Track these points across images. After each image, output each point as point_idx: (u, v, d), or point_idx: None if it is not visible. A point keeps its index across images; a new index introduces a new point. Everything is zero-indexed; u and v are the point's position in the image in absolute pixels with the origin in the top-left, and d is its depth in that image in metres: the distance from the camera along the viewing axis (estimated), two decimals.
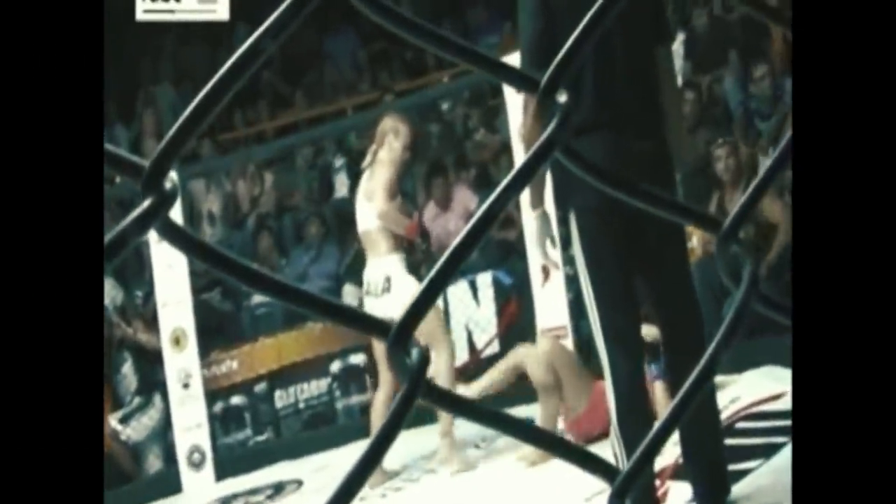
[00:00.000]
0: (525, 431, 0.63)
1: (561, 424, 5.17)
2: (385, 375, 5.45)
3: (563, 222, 3.38)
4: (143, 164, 0.58)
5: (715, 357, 0.68)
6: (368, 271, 5.39)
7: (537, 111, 0.69)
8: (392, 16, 0.57)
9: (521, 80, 0.64)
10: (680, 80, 7.59)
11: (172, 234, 0.58)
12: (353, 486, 0.57)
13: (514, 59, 3.92)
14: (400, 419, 0.58)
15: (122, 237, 0.57)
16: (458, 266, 0.61)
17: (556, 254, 3.57)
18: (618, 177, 0.66)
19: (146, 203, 0.57)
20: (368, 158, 5.53)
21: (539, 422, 5.09)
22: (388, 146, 5.40)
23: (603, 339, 3.26)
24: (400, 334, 0.59)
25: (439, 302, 5.74)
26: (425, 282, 0.61)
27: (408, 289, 5.12)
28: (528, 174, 0.62)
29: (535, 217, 3.51)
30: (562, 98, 0.62)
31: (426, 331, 5.01)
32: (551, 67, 0.63)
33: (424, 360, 0.59)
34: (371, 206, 5.31)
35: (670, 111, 3.40)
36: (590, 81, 3.25)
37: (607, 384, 3.26)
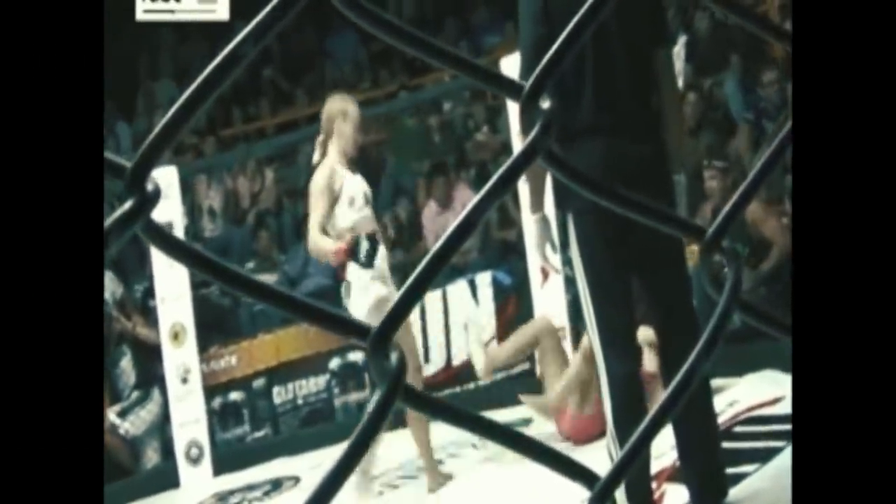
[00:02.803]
0: (504, 435, 0.63)
1: (552, 427, 5.18)
2: None
3: (563, 225, 3.39)
4: (125, 165, 0.58)
5: (696, 365, 0.68)
6: None
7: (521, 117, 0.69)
8: (375, 19, 0.57)
9: (505, 85, 0.64)
10: (681, 83, 7.61)
11: (155, 235, 0.59)
12: (330, 489, 0.57)
13: (515, 59, 3.92)
14: (379, 422, 0.59)
15: (105, 238, 0.57)
16: (439, 271, 0.62)
17: (555, 258, 3.58)
18: (602, 183, 0.66)
19: (128, 204, 0.57)
20: (318, 153, 4.95)
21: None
22: (338, 131, 4.84)
23: (599, 341, 3.27)
24: (379, 338, 0.59)
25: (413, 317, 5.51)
26: (406, 286, 0.61)
27: (361, 287, 4.77)
28: (510, 180, 0.62)
29: (534, 221, 3.51)
30: (545, 104, 0.62)
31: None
32: (534, 74, 0.63)
33: (403, 363, 0.59)
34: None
35: (670, 114, 3.40)
36: (590, 84, 3.26)
37: (603, 385, 3.27)
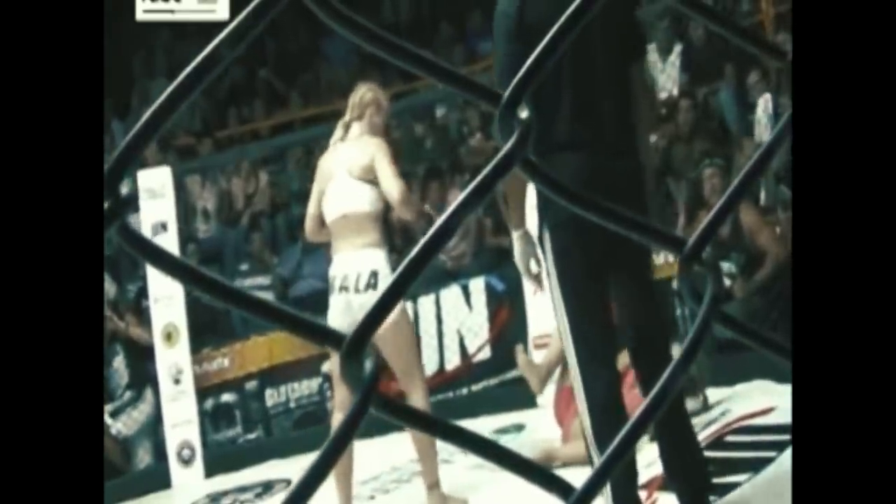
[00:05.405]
0: (479, 445, 0.63)
1: (545, 434, 5.18)
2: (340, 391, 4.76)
3: (539, 239, 3.40)
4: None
5: (674, 376, 0.68)
6: (346, 263, 4.58)
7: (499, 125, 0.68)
8: (349, 23, 0.56)
9: (483, 94, 0.64)
10: (676, 91, 7.63)
11: (129, 238, 0.58)
12: (301, 498, 0.57)
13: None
14: (352, 431, 0.58)
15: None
16: (414, 280, 0.61)
17: (541, 273, 3.61)
18: (580, 193, 0.66)
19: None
20: (340, 132, 4.75)
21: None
22: (370, 120, 4.68)
23: (575, 352, 3.27)
24: (354, 346, 0.59)
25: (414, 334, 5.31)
26: (381, 294, 0.61)
27: None
28: (486, 189, 0.62)
29: (516, 238, 3.52)
30: (522, 114, 0.62)
31: (401, 368, 4.63)
32: (512, 83, 0.63)
33: (377, 371, 0.59)
34: (366, 188, 4.55)
35: (642, 129, 3.45)
36: (568, 99, 3.27)
37: (580, 397, 3.26)
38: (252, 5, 0.58)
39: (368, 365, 0.59)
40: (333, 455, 0.57)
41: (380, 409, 0.59)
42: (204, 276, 0.57)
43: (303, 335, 0.59)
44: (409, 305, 4.61)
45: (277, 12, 0.55)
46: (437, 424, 0.62)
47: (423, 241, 0.61)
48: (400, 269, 0.60)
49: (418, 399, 4.55)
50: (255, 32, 0.55)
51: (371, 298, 4.14)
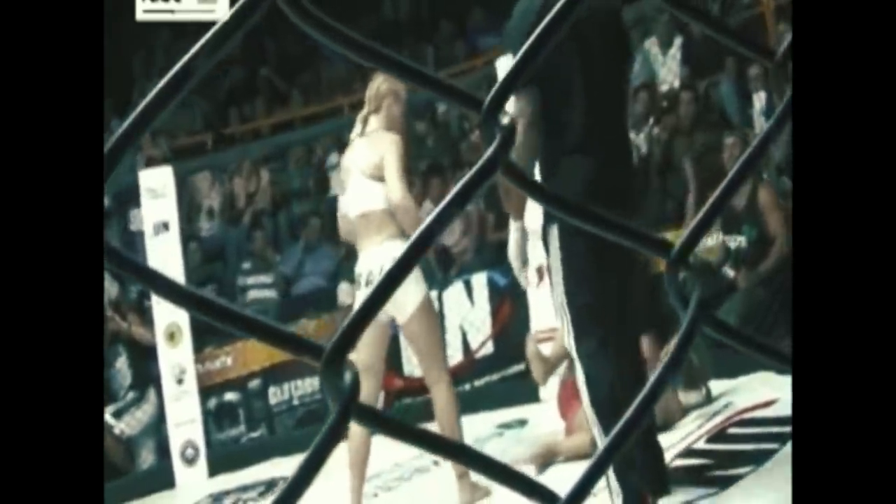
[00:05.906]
0: (464, 454, 0.62)
1: (547, 428, 5.18)
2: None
3: (545, 236, 3.41)
4: None
5: (662, 378, 0.67)
6: (369, 259, 4.52)
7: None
8: (323, 27, 0.56)
9: (465, 99, 0.63)
10: (677, 84, 7.63)
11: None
12: None
13: (510, 59, 3.93)
14: (332, 441, 0.58)
15: None
16: (397, 286, 0.61)
17: (530, 270, 3.65)
18: (563, 198, 0.65)
19: None
20: (359, 127, 4.65)
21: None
22: (387, 112, 4.58)
23: (579, 350, 3.30)
24: (333, 357, 0.58)
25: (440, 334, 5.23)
26: (362, 302, 0.60)
27: (414, 277, 4.31)
28: (469, 193, 0.61)
29: (513, 230, 3.53)
30: (504, 119, 0.61)
31: (426, 360, 4.56)
32: (493, 90, 0.62)
33: (357, 382, 0.59)
34: (378, 186, 4.47)
35: None
36: (580, 104, 3.32)
37: (584, 394, 3.29)
38: (237, 6, 0.57)
39: (348, 376, 0.58)
40: (313, 468, 0.56)
41: (360, 419, 0.58)
42: (183, 291, 0.57)
43: (283, 347, 0.58)
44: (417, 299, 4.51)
45: (262, 12, 0.54)
46: (418, 434, 0.61)
47: (406, 247, 0.60)
48: (382, 278, 0.60)
49: (442, 391, 4.49)
50: (244, 30, 0.55)
51: (397, 293, 4.38)
